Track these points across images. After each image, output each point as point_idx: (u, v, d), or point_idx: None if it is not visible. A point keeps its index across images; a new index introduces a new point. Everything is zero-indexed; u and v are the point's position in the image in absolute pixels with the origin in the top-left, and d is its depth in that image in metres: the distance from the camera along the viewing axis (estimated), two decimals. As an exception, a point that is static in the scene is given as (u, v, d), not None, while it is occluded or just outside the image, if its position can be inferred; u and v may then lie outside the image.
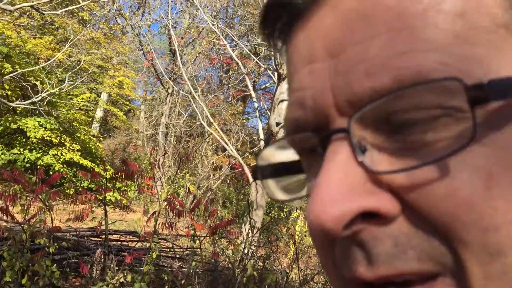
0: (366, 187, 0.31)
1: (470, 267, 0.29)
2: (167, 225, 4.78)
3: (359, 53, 0.32)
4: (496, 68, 0.30)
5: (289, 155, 0.42)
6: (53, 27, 15.25)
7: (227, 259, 5.08)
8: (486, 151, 0.29)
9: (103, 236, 5.51)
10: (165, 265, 5.37)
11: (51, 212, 4.63)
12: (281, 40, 0.42)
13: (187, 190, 13.39)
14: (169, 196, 4.64)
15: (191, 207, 5.30)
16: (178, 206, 4.74)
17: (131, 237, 6.50)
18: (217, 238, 5.08)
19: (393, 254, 0.30)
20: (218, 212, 11.94)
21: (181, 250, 6.29)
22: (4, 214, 4.08)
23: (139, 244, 5.69)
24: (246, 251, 4.99)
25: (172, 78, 14.18)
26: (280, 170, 0.43)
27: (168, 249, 6.24)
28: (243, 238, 5.46)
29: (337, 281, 0.36)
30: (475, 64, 0.30)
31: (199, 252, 5.20)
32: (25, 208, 4.23)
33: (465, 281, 0.29)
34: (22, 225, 4.17)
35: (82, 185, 11.62)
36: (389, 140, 0.32)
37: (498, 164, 0.29)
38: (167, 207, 4.73)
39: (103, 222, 4.81)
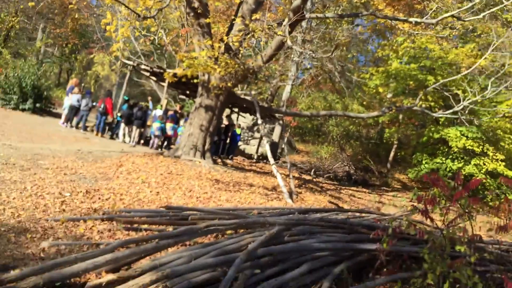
0: None
1: None
2: None
3: None
4: None
5: None
6: (474, 34, 14.99)
7: None
8: None
9: (532, 254, 4.84)
10: None
11: (471, 220, 4.41)
12: None
13: None
14: None
15: None
16: None
17: None
18: None
19: None
20: None
21: None
22: (424, 217, 4.18)
23: None
24: None
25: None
26: None
27: None
28: None
29: None
30: None
31: None
32: (444, 213, 4.20)
33: None
34: (441, 229, 4.16)
35: (507, 196, 10.78)
36: None
37: None
38: None
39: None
